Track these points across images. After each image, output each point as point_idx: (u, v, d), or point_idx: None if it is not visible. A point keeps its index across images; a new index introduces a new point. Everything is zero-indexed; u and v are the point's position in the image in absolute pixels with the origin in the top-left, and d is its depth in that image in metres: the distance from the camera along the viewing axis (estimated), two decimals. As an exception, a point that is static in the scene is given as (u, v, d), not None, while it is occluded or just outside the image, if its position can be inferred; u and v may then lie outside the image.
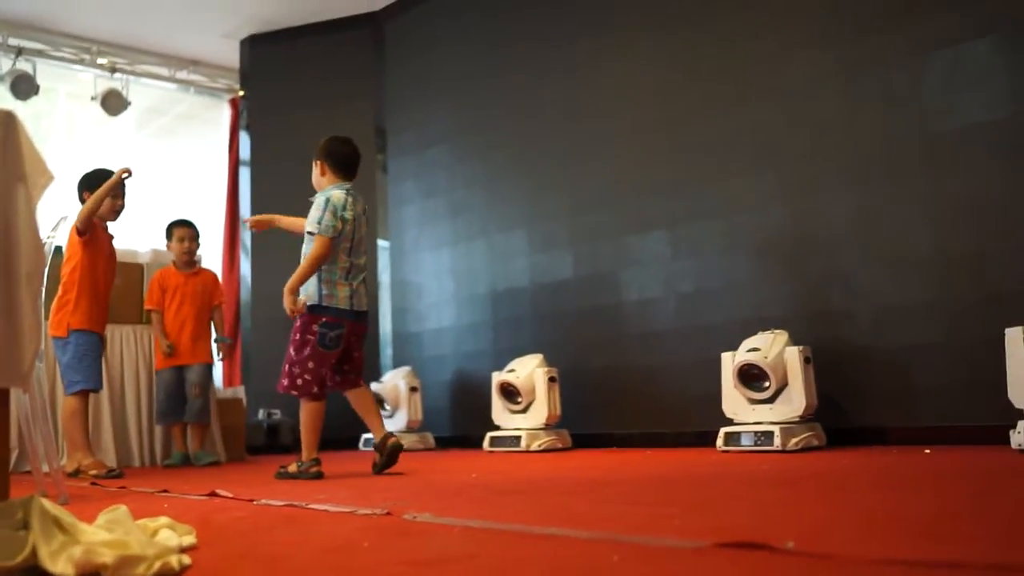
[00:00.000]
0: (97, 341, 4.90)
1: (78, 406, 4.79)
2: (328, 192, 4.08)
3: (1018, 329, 3.71)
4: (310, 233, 4.01)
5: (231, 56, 8.42)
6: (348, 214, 4.02)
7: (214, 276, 6.20)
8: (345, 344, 4.07)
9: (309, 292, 4.00)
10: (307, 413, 4.05)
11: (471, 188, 6.92)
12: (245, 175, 8.22)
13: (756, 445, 4.38)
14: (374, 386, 6.67)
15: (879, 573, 1.29)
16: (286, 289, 3.96)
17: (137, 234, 6.83)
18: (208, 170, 9.00)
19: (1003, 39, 4.29)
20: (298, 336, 4.02)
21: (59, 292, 4.83)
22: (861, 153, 4.74)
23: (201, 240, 6.03)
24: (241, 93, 8.48)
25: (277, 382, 4.08)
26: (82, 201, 4.91)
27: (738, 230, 5.22)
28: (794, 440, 4.33)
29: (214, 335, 5.97)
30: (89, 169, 5.06)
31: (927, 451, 3.92)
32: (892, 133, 4.63)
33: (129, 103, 8.24)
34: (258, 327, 6.40)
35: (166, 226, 5.99)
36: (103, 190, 4.73)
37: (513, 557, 1.60)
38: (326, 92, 7.87)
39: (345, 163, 4.19)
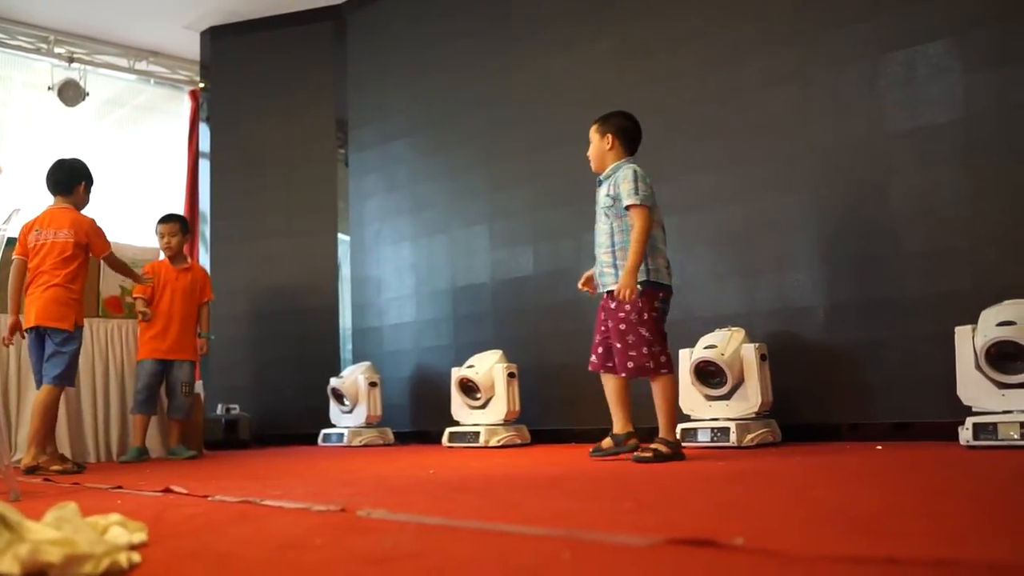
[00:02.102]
0: None
1: (56, 399, 4.72)
2: (628, 164, 3.97)
3: (968, 327, 3.78)
4: (627, 208, 3.83)
5: (191, 47, 8.33)
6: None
7: (205, 273, 6.22)
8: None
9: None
10: (669, 390, 3.90)
11: (433, 183, 6.91)
12: (205, 167, 8.15)
13: (712, 441, 4.42)
14: (333, 381, 6.64)
15: (821, 569, 1.32)
16: (629, 273, 3.74)
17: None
18: (168, 162, 8.91)
19: (956, 41, 4.36)
20: (645, 315, 3.81)
21: (58, 281, 4.68)
22: (816, 152, 4.80)
23: (182, 234, 6.01)
24: (201, 85, 8.40)
25: (627, 369, 3.90)
26: (74, 191, 4.87)
27: (695, 228, 5.26)
28: (749, 436, 4.39)
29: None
30: (68, 158, 4.98)
31: (879, 447, 3.98)
32: (847, 133, 4.70)
33: (87, 94, 8.13)
34: (217, 322, 6.34)
35: None
36: (130, 275, 5.28)
37: (465, 555, 1.61)
38: (287, 85, 7.81)
39: (635, 140, 4.10)
